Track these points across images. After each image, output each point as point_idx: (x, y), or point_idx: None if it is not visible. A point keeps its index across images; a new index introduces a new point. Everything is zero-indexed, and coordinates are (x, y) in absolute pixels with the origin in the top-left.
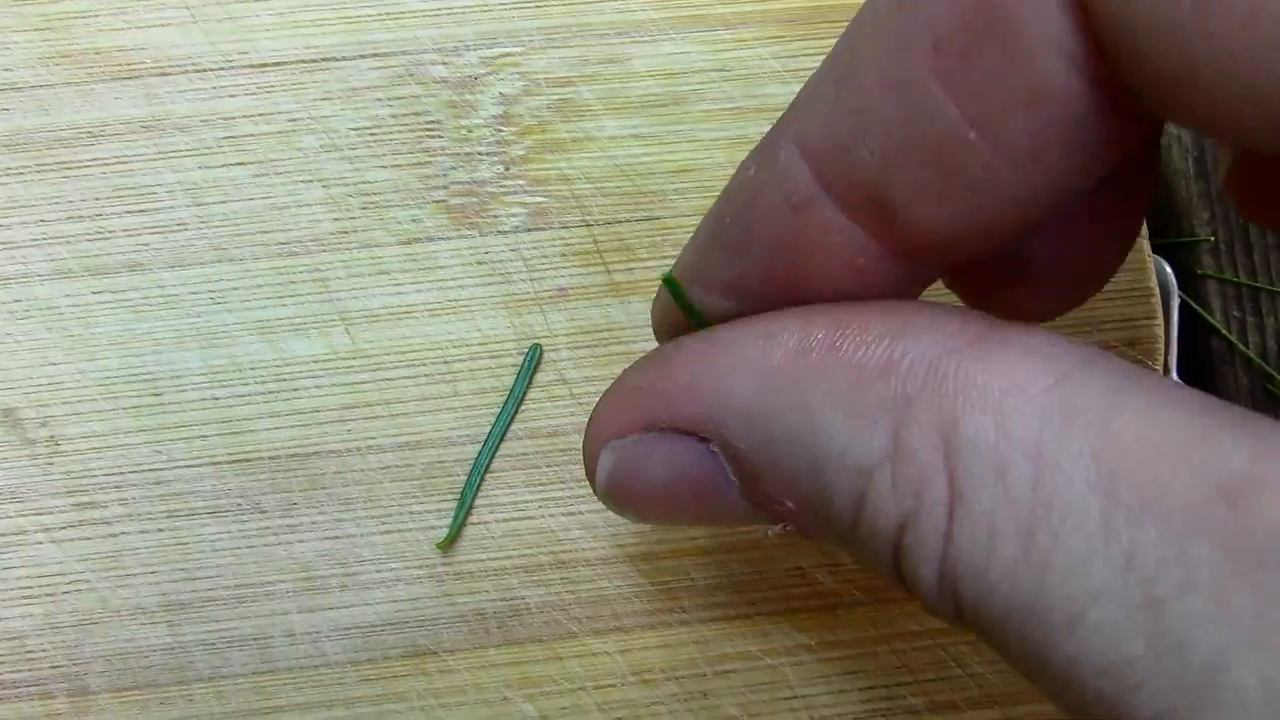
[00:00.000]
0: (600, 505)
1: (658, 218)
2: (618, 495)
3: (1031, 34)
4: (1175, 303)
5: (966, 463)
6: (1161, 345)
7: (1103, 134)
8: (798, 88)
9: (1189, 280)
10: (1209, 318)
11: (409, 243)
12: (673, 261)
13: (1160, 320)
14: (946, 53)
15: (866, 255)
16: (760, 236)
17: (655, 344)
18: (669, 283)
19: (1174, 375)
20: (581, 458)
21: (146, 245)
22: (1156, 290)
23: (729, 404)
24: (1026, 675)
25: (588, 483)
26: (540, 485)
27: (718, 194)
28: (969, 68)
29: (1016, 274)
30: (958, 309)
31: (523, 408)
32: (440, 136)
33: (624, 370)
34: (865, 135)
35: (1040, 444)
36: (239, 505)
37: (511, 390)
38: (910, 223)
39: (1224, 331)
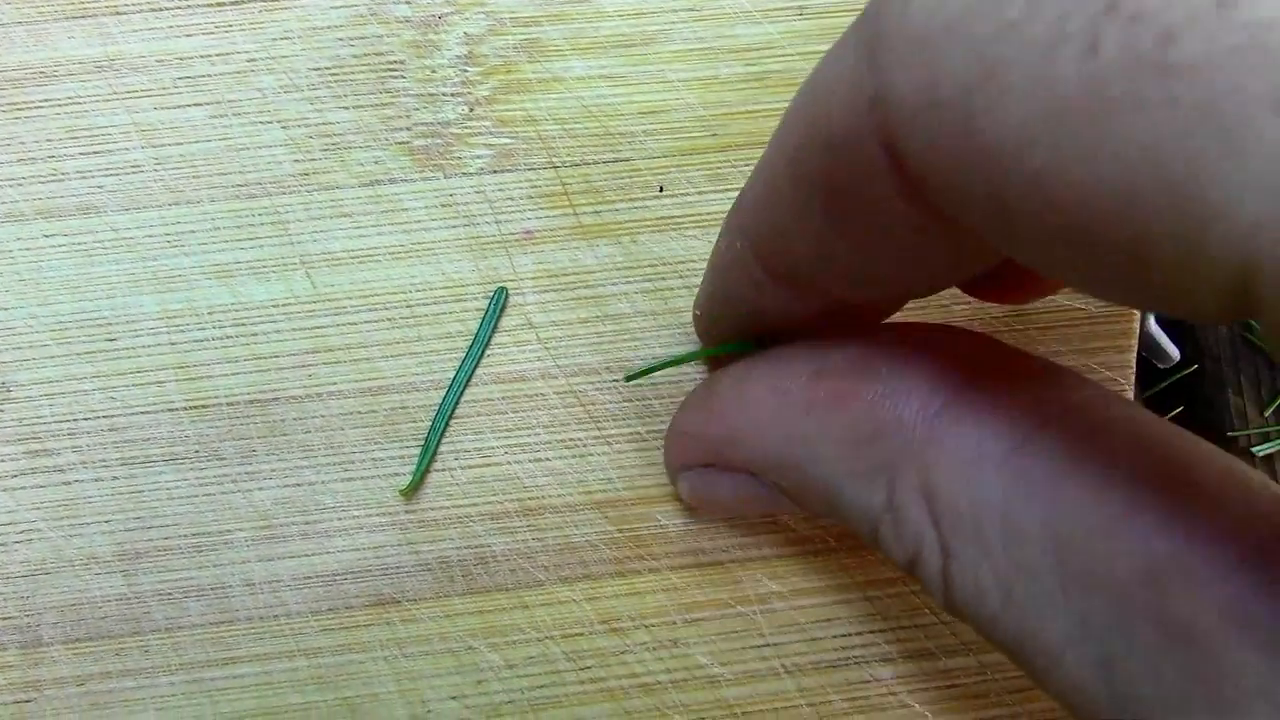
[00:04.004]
0: (568, 451)
1: (626, 159)
2: (699, 507)
3: (870, 190)
4: None
5: (949, 523)
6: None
7: (949, 244)
8: (769, 28)
9: None
10: None
11: (371, 184)
12: (641, 203)
13: None
14: (826, 199)
15: (816, 312)
16: (740, 300)
17: (621, 290)
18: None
19: (1153, 324)
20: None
21: (100, 187)
22: None
23: (762, 457)
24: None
25: (549, 429)
26: (506, 431)
27: (687, 136)
28: (840, 210)
29: (975, 287)
30: (946, 355)
31: (488, 352)
32: (403, 77)
33: (676, 414)
34: (787, 246)
35: (1005, 510)
36: (196, 452)
37: (476, 334)
38: (837, 294)
39: None
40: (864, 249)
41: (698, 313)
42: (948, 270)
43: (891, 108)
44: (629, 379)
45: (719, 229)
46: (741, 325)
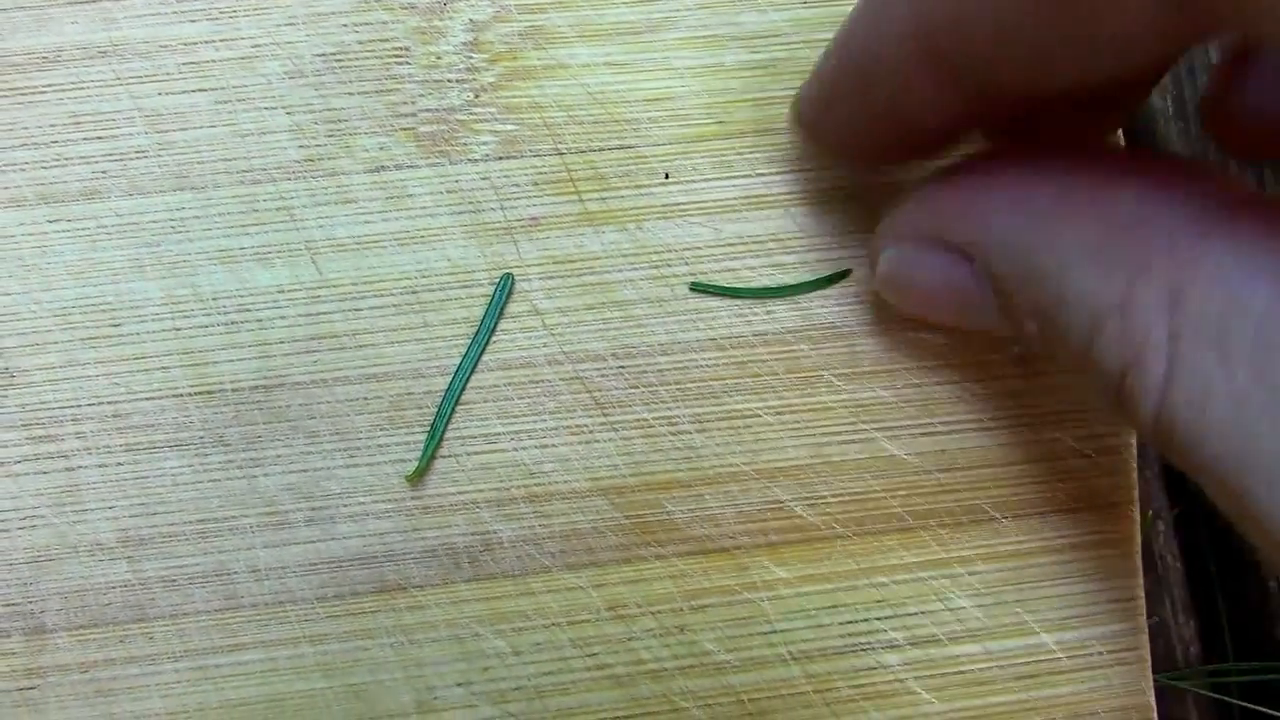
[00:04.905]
0: (574, 438)
1: (631, 146)
2: (889, 288)
3: None
4: None
5: (1191, 326)
6: None
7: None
8: (774, 15)
9: None
10: None
11: (376, 170)
12: (647, 190)
13: None
14: None
15: (965, 120)
16: (878, 88)
17: (627, 277)
18: (696, 287)
19: None
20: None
21: (104, 173)
22: None
23: (994, 232)
24: (1224, 510)
25: (555, 416)
26: (512, 417)
27: (692, 123)
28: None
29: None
30: (1205, 176)
31: (494, 338)
32: (408, 63)
33: (915, 184)
34: (966, 20)
35: (1265, 319)
36: (201, 438)
37: (482, 321)
38: (1008, 89)
39: None
40: (1064, 19)
41: (804, 106)
42: (1158, 55)
43: None
44: (694, 289)
45: (723, 210)
46: (869, 124)
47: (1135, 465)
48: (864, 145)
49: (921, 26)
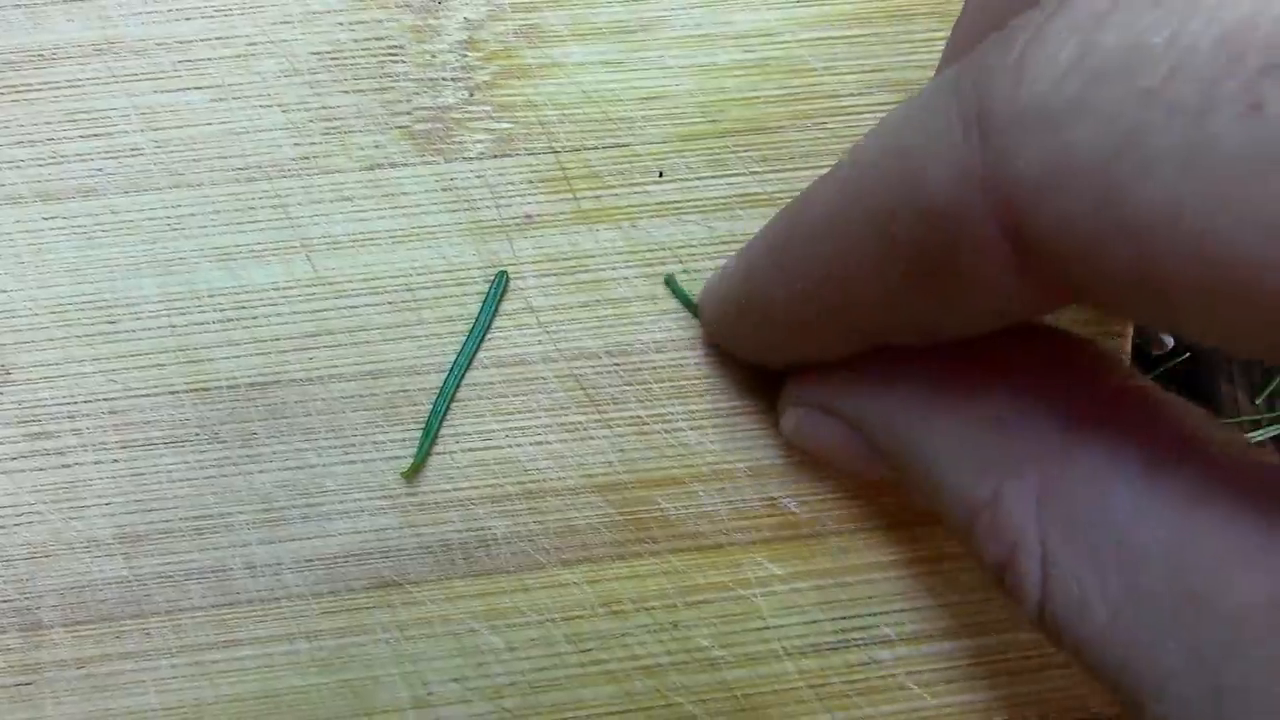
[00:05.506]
0: (569, 435)
1: (626, 144)
2: (798, 444)
3: (974, 264)
4: None
5: (1060, 532)
6: None
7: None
8: (767, 14)
9: None
10: None
11: (371, 168)
12: (641, 188)
13: None
14: (913, 263)
15: (854, 350)
16: (775, 329)
17: (622, 274)
18: (669, 282)
19: None
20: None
21: (100, 170)
22: None
23: (876, 416)
24: (1125, 709)
25: (549, 413)
26: (507, 414)
27: (686, 122)
28: (928, 274)
29: None
30: (1087, 365)
31: (489, 336)
32: (403, 61)
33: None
34: (851, 298)
35: (1128, 530)
36: (197, 435)
37: (477, 318)
38: (892, 340)
39: None
40: (943, 306)
41: (705, 316)
42: (1024, 318)
43: (1013, 185)
44: (669, 283)
45: (716, 209)
46: (769, 351)
47: None
48: (765, 359)
49: (818, 290)
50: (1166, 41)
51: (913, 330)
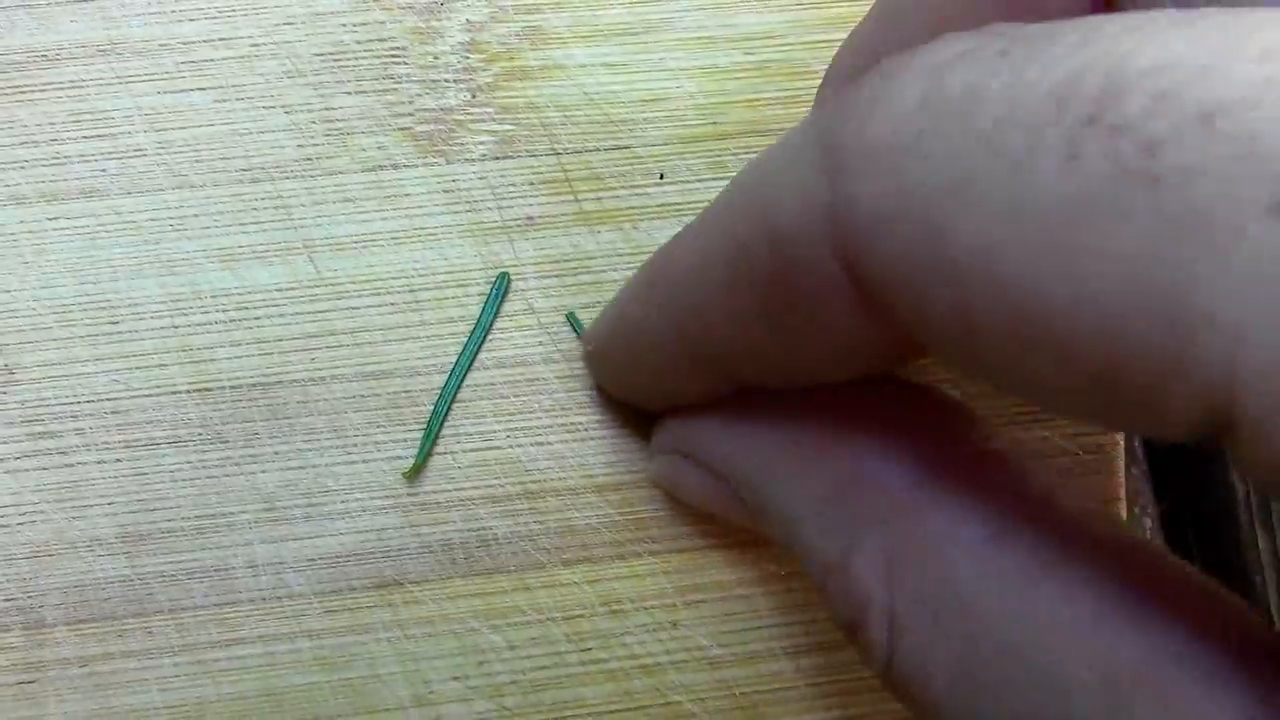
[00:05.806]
0: (569, 435)
1: (627, 146)
2: (664, 489)
3: (818, 295)
4: None
5: (906, 596)
6: None
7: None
8: (770, 17)
9: None
10: None
11: (374, 170)
12: (642, 190)
13: None
14: (765, 293)
15: (724, 391)
16: (644, 362)
17: (623, 276)
18: (570, 319)
19: None
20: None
21: (104, 171)
22: None
23: (735, 466)
24: None
25: (550, 413)
26: (508, 415)
27: (687, 124)
28: (778, 305)
29: None
30: (941, 422)
31: (490, 337)
32: (406, 63)
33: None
34: (711, 330)
35: (970, 598)
36: (199, 435)
37: (479, 319)
38: (753, 380)
39: None
40: (796, 346)
41: (590, 348)
42: (877, 365)
43: (851, 219)
44: (570, 319)
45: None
46: (641, 384)
47: (1123, 463)
48: (638, 400)
49: (681, 326)
50: (1003, 87)
51: (771, 372)
